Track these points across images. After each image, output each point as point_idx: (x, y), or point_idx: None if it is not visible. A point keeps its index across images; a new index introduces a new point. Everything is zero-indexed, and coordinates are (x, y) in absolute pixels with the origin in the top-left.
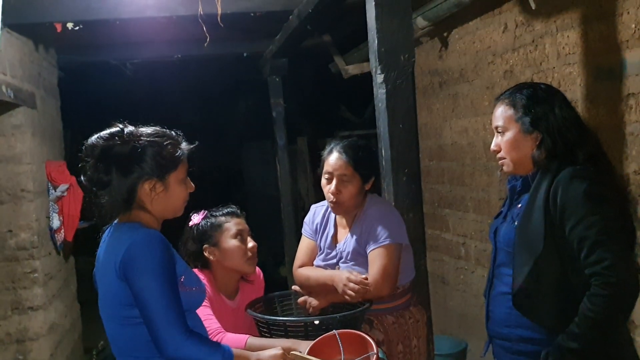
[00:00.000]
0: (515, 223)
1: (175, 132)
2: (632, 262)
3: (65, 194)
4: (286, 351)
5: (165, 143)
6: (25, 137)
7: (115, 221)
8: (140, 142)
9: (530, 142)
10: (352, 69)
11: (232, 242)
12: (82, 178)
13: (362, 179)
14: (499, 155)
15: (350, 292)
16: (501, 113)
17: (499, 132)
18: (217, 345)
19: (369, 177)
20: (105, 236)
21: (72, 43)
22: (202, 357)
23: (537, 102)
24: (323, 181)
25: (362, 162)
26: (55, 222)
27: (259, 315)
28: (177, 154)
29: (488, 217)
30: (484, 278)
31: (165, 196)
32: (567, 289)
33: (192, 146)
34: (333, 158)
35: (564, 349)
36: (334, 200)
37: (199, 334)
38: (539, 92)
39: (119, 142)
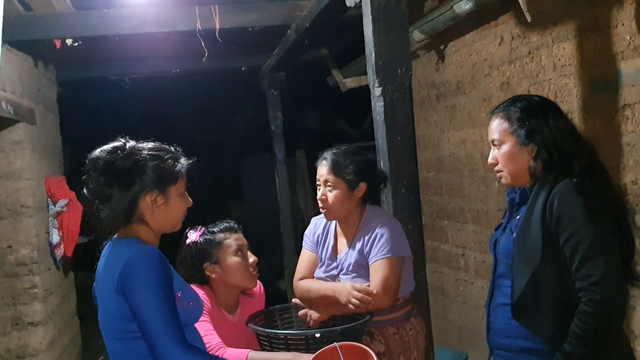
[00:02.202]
0: (514, 235)
1: (175, 147)
2: (620, 279)
3: (64, 209)
4: None
5: (165, 157)
6: (24, 153)
7: (115, 236)
8: (142, 155)
9: (526, 154)
10: (350, 82)
11: (234, 259)
12: (84, 191)
13: (347, 184)
14: (496, 168)
15: (355, 301)
16: (496, 126)
17: (495, 145)
18: (217, 359)
19: (355, 182)
20: (104, 251)
21: (71, 59)
22: None
23: (531, 115)
24: (317, 190)
25: (344, 167)
26: (55, 238)
27: (260, 328)
28: (177, 167)
29: (487, 228)
30: (484, 289)
31: (166, 209)
32: (565, 300)
33: (191, 161)
34: (320, 166)
35: None
36: (322, 206)
37: (197, 348)
38: (532, 104)
39: (121, 156)
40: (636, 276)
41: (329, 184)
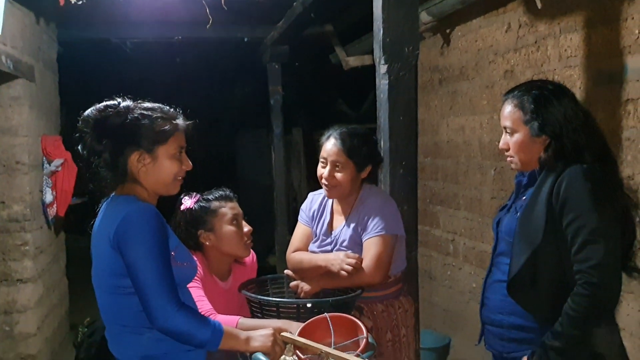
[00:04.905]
0: (518, 214)
1: (174, 108)
2: (618, 266)
3: (59, 168)
4: (277, 332)
5: (155, 116)
6: (22, 110)
7: (113, 194)
8: (132, 114)
9: (538, 145)
10: (353, 61)
11: (229, 228)
12: (78, 147)
13: (355, 167)
14: (507, 153)
15: (347, 267)
16: (509, 114)
17: (508, 132)
18: (208, 320)
19: (364, 165)
20: (102, 208)
21: (73, 18)
22: (192, 329)
23: (545, 107)
24: (319, 166)
25: (356, 150)
26: (48, 197)
27: (253, 295)
28: (166, 127)
29: (479, 215)
30: (471, 275)
31: (153, 169)
32: (561, 282)
33: (188, 122)
34: (329, 144)
35: (548, 347)
36: (327, 184)
37: (190, 307)
38: (547, 94)
39: (112, 113)
40: (634, 267)
41: (337, 164)
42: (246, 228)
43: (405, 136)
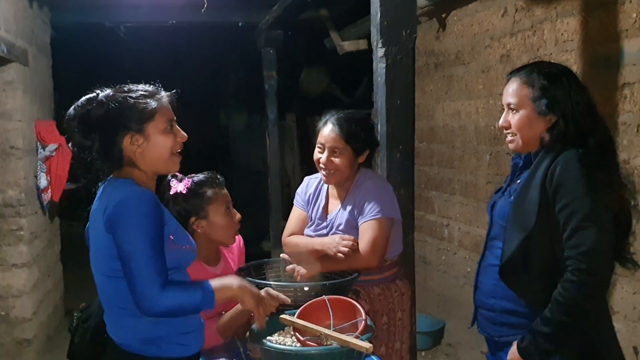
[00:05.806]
0: (512, 197)
1: (152, 84)
2: (609, 253)
3: (53, 153)
4: (265, 292)
5: (136, 95)
6: (16, 94)
7: (110, 176)
8: (113, 101)
9: (542, 123)
10: (348, 45)
11: (222, 216)
12: (69, 146)
13: (354, 152)
14: (507, 131)
15: (343, 249)
16: (516, 91)
17: (511, 109)
18: (195, 285)
19: (362, 150)
20: (99, 191)
21: (67, 2)
22: (182, 303)
23: (554, 85)
24: (316, 151)
25: (355, 135)
26: (43, 182)
27: (251, 279)
28: (150, 103)
29: (474, 200)
30: (466, 260)
31: (148, 148)
32: (553, 267)
33: (170, 93)
34: (326, 130)
35: (537, 333)
36: (325, 170)
37: (175, 282)
38: (556, 73)
39: (94, 106)
40: (628, 257)
41: (335, 149)
42: (237, 216)
43: (402, 120)
